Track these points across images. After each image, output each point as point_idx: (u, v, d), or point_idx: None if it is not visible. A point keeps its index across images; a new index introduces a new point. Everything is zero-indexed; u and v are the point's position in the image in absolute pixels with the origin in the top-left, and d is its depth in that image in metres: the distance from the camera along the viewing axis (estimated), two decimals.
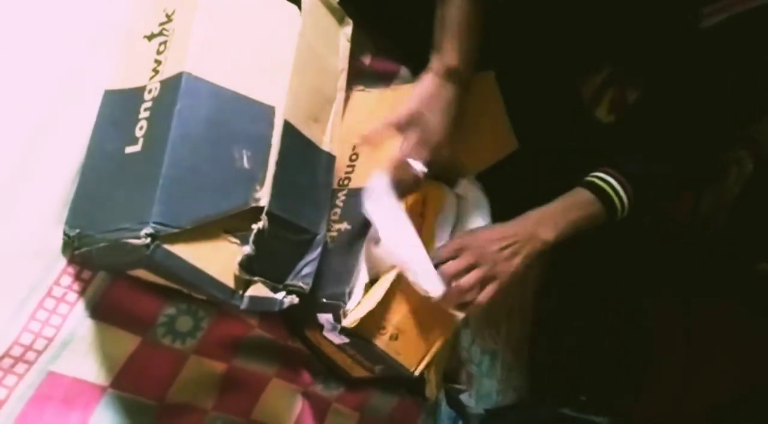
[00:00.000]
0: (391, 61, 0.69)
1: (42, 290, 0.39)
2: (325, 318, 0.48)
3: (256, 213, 0.40)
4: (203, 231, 0.38)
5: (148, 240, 0.35)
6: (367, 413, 0.62)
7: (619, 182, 0.56)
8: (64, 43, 0.42)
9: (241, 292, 0.41)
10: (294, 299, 0.44)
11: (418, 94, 0.52)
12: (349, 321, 0.47)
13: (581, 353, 0.89)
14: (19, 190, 0.39)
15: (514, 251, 0.53)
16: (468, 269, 0.51)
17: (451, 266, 0.51)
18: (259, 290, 0.42)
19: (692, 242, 1.06)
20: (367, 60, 0.68)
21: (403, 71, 0.70)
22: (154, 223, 0.35)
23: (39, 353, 0.39)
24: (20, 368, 0.38)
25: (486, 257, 0.52)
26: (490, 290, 0.52)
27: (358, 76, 0.67)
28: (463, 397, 0.71)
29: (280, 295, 0.44)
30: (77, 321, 0.40)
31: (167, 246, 0.36)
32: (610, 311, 0.94)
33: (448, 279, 0.50)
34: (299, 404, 0.55)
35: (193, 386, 0.47)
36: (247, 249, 0.40)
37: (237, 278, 0.40)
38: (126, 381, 0.43)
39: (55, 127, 0.41)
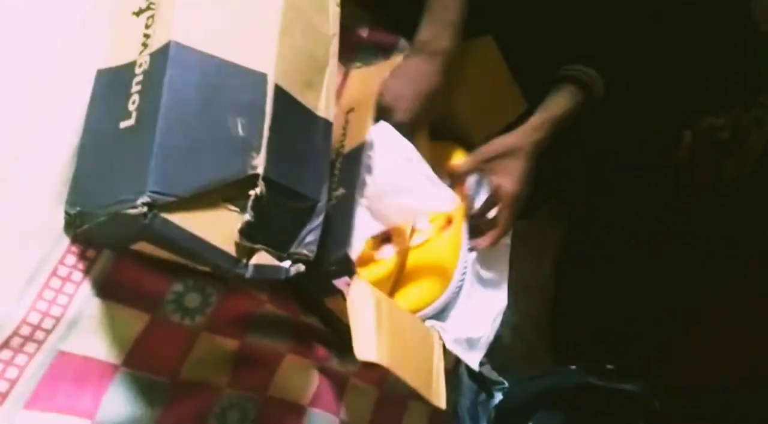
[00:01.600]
0: (388, 32, 0.68)
1: (47, 269, 0.39)
2: (342, 282, 0.48)
3: (254, 181, 0.40)
4: (202, 200, 0.38)
5: (145, 209, 0.35)
6: (387, 389, 0.61)
7: (583, 62, 0.62)
8: (55, 24, 0.42)
9: (245, 261, 0.40)
10: (300, 267, 0.44)
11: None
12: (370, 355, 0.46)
13: (606, 323, 0.87)
14: (17, 172, 0.39)
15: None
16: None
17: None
18: (263, 258, 0.41)
19: (715, 204, 1.03)
20: (364, 33, 0.67)
21: (402, 43, 0.69)
22: (150, 192, 0.35)
23: (48, 332, 0.39)
24: (30, 347, 0.38)
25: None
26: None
27: (356, 50, 0.67)
28: (484, 369, 0.70)
29: (285, 263, 0.43)
30: (84, 300, 0.40)
31: (165, 215, 0.36)
32: (633, 279, 0.92)
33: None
34: (316, 380, 0.54)
35: (206, 363, 0.47)
36: (247, 216, 0.39)
37: (239, 247, 0.40)
38: (138, 359, 0.43)
39: (49, 107, 0.41)
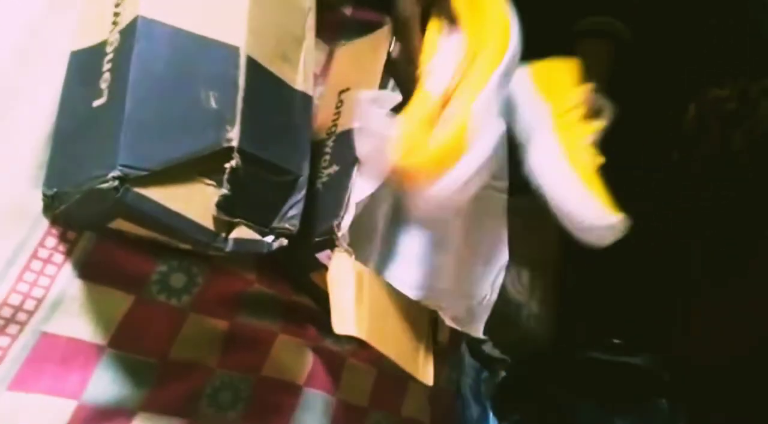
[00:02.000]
0: (372, 11, 0.68)
1: (27, 252, 0.39)
2: (325, 255, 0.47)
3: (229, 154, 0.39)
4: (176, 174, 0.37)
5: (117, 183, 0.34)
6: (385, 369, 0.61)
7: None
8: (22, 7, 0.42)
9: (224, 235, 0.40)
10: (283, 242, 0.43)
11: None
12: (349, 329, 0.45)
13: (612, 296, 0.86)
14: None
15: None
16: None
17: None
18: (243, 232, 0.41)
19: (723, 176, 1.01)
20: (348, 11, 0.66)
21: (387, 21, 0.68)
22: (120, 166, 0.35)
23: (30, 313, 0.39)
24: (12, 329, 0.38)
25: None
26: None
27: (340, 28, 0.66)
28: (486, 347, 0.69)
29: (268, 238, 0.43)
30: (66, 281, 0.40)
31: (138, 189, 0.35)
32: (640, 250, 0.90)
33: None
34: (311, 360, 0.54)
35: (195, 343, 0.46)
36: (223, 190, 0.39)
37: (217, 220, 0.39)
38: (124, 340, 0.42)
39: (21, 91, 0.41)
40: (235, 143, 0.39)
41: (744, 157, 1.07)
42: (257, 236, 0.42)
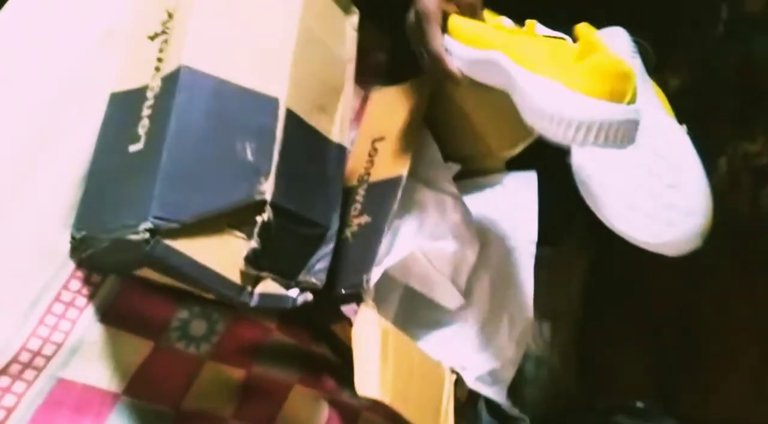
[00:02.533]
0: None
1: (51, 294, 0.39)
2: (351, 309, 0.46)
3: (261, 207, 0.39)
4: (207, 226, 0.37)
5: (147, 235, 0.34)
6: (402, 422, 0.59)
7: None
8: (70, 45, 0.42)
9: (250, 288, 0.39)
10: (308, 296, 0.42)
11: None
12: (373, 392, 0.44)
13: (636, 355, 0.83)
14: (25, 194, 0.39)
15: None
16: None
17: None
18: (269, 286, 0.40)
19: (755, 231, 0.98)
20: (382, 55, 0.67)
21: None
22: (153, 217, 0.34)
23: (48, 358, 0.38)
24: (29, 374, 0.37)
25: None
26: None
27: (376, 73, 0.66)
28: (505, 405, 0.67)
29: (293, 292, 0.42)
30: (87, 326, 0.40)
31: (168, 241, 0.35)
32: (666, 303, 0.87)
33: None
34: (325, 413, 0.52)
35: (210, 393, 0.45)
36: (253, 243, 0.38)
37: (244, 274, 0.38)
38: (139, 388, 0.41)
39: (60, 130, 0.41)
40: (268, 197, 0.39)
41: None
42: (282, 291, 0.41)
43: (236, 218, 0.38)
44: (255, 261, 0.38)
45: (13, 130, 0.39)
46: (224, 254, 0.38)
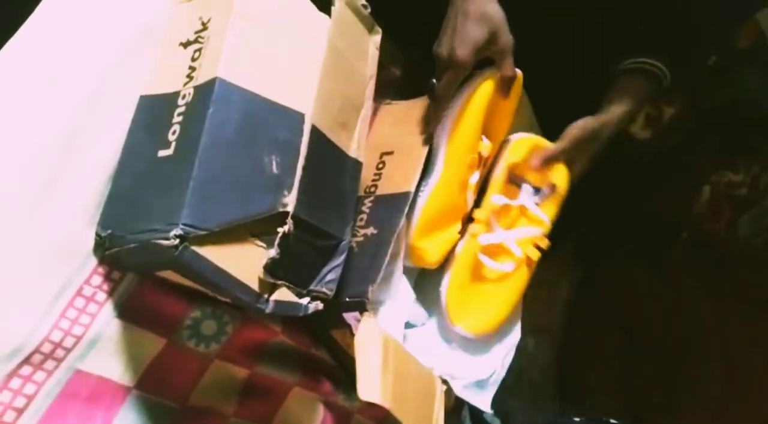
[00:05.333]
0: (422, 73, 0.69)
1: (73, 288, 0.40)
2: (351, 317, 0.48)
3: (283, 218, 0.41)
4: (230, 234, 0.39)
5: (177, 241, 0.35)
6: None
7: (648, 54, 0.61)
8: (101, 47, 0.43)
9: (266, 296, 0.41)
10: (318, 305, 0.44)
11: None
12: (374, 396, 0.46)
13: (612, 371, 0.86)
14: (53, 192, 0.40)
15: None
16: None
17: None
18: (283, 294, 0.42)
19: (730, 257, 1.02)
20: (397, 71, 0.68)
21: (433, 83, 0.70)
22: (183, 224, 0.36)
23: (68, 350, 0.39)
24: (49, 364, 0.39)
25: None
26: None
27: (389, 87, 0.68)
28: (487, 415, 0.70)
29: (304, 300, 0.44)
30: (105, 321, 0.41)
31: (195, 248, 0.36)
32: (644, 327, 0.91)
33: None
34: (321, 414, 0.54)
35: (215, 390, 0.47)
36: (273, 252, 0.40)
37: (262, 282, 0.40)
38: (150, 383, 0.43)
39: (89, 130, 0.42)
40: (290, 209, 0.40)
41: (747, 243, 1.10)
42: (295, 299, 0.43)
43: (258, 228, 0.40)
44: (273, 270, 0.40)
45: (43, 130, 0.40)
46: (245, 262, 0.39)
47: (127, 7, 0.45)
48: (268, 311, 0.41)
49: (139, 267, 0.42)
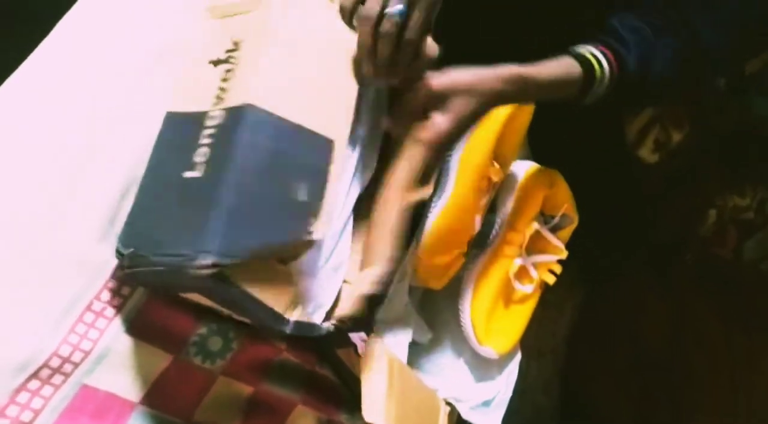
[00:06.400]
0: None
1: (82, 303, 0.40)
2: (357, 336, 0.48)
3: (310, 244, 0.41)
4: (258, 260, 0.38)
5: (209, 270, 0.35)
6: None
7: (607, 58, 0.51)
8: (124, 61, 0.43)
9: (287, 317, 0.41)
10: (331, 326, 0.44)
11: None
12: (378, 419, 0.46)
13: (617, 393, 0.86)
14: (66, 206, 0.40)
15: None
16: None
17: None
18: (302, 315, 0.42)
19: (737, 280, 1.02)
20: None
21: None
22: (216, 253, 0.35)
23: (76, 365, 0.39)
24: (57, 379, 0.39)
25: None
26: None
27: None
28: None
29: (325, 323, 0.44)
30: (114, 336, 0.41)
31: (227, 275, 0.36)
32: (651, 346, 0.91)
33: None
34: None
35: (219, 407, 0.47)
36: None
37: (283, 304, 0.40)
38: (156, 398, 0.43)
39: (105, 144, 0.42)
40: (317, 237, 0.40)
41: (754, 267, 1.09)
42: (313, 320, 0.43)
43: (285, 253, 0.40)
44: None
45: (58, 145, 0.40)
46: (270, 285, 0.39)
47: (150, 20, 0.46)
48: (288, 331, 0.40)
49: (161, 287, 0.41)
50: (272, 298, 0.39)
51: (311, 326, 0.42)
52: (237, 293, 0.37)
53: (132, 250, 0.38)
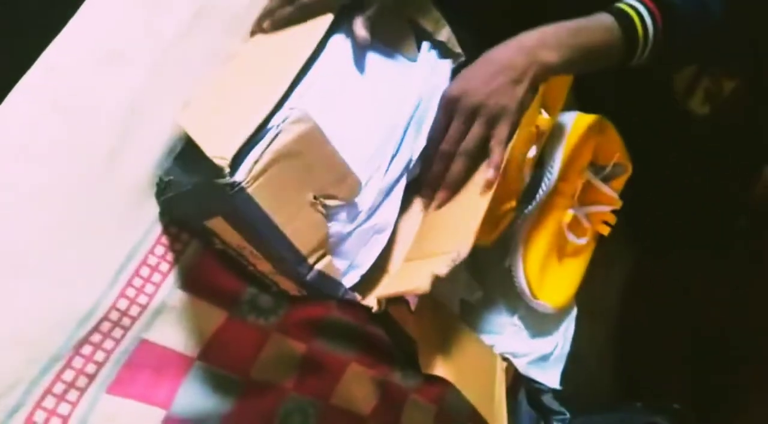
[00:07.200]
0: None
1: (138, 258, 0.40)
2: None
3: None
4: (292, 191, 0.38)
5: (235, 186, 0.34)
6: (445, 408, 0.60)
7: (649, 10, 0.47)
8: (164, 26, 0.43)
9: (311, 262, 0.40)
10: (356, 296, 0.43)
11: None
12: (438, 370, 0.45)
13: (674, 360, 0.83)
14: (118, 163, 0.40)
15: (514, 79, 0.45)
16: (468, 124, 0.45)
17: (450, 140, 0.45)
18: (329, 268, 0.41)
19: None
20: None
21: None
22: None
23: (134, 319, 0.40)
24: (117, 332, 0.39)
25: (485, 98, 0.45)
26: (499, 136, 0.45)
27: None
28: (546, 398, 0.67)
29: (347, 280, 0.43)
30: (169, 291, 0.41)
31: (250, 191, 0.35)
32: (707, 313, 0.87)
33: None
34: (377, 392, 0.54)
35: (275, 364, 0.47)
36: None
37: (310, 248, 0.39)
38: (213, 354, 0.43)
39: (154, 104, 0.42)
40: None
41: None
42: (338, 277, 0.42)
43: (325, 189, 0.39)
44: None
45: (108, 104, 0.41)
46: (299, 221, 0.38)
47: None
48: (308, 278, 0.39)
49: (190, 215, 0.41)
50: (298, 236, 0.38)
51: (335, 283, 0.41)
52: (259, 215, 0.36)
53: (171, 177, 0.39)
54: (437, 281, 0.42)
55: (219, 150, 0.35)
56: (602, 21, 0.48)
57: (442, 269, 0.40)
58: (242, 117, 0.38)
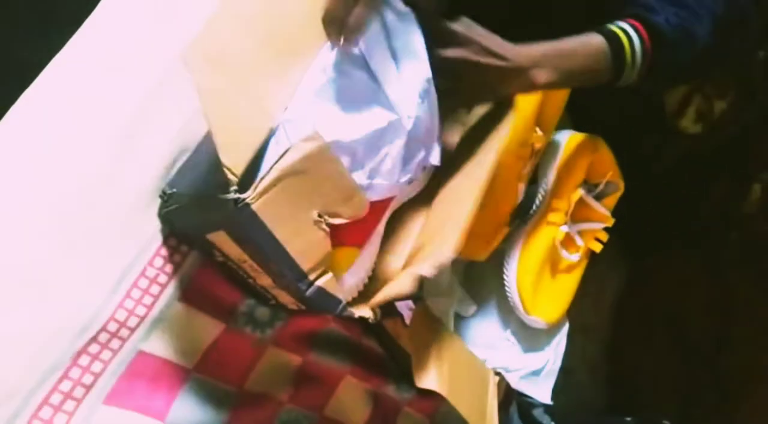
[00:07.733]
0: None
1: (137, 269, 0.41)
2: (404, 305, 0.48)
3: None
4: (297, 207, 0.37)
5: (237, 195, 0.34)
6: (438, 421, 0.60)
7: (640, 35, 0.48)
8: (174, 29, 0.44)
9: (311, 278, 0.40)
10: (353, 313, 0.43)
11: None
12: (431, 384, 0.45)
13: (664, 373, 0.84)
14: (120, 173, 0.41)
15: (499, 71, 0.44)
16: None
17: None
18: (329, 284, 0.40)
19: None
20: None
21: None
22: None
23: (132, 330, 0.40)
24: (115, 343, 0.39)
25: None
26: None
27: None
28: (537, 412, 0.68)
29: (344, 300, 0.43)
30: (167, 302, 0.42)
31: (255, 208, 0.35)
32: (697, 328, 0.88)
33: None
34: (371, 404, 0.54)
35: (270, 376, 0.47)
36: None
37: (311, 265, 0.39)
38: (208, 366, 0.43)
39: (155, 113, 0.43)
40: None
41: None
42: (338, 294, 0.42)
43: (327, 207, 0.39)
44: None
45: (109, 115, 0.41)
46: (301, 240, 0.38)
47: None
48: (308, 294, 0.39)
49: (192, 228, 0.41)
50: (300, 253, 0.38)
51: (333, 299, 0.41)
52: (261, 232, 0.36)
53: (174, 190, 0.39)
54: (423, 282, 0.42)
55: (231, 157, 0.34)
56: (595, 45, 0.49)
57: (428, 270, 0.41)
58: (258, 107, 0.37)
